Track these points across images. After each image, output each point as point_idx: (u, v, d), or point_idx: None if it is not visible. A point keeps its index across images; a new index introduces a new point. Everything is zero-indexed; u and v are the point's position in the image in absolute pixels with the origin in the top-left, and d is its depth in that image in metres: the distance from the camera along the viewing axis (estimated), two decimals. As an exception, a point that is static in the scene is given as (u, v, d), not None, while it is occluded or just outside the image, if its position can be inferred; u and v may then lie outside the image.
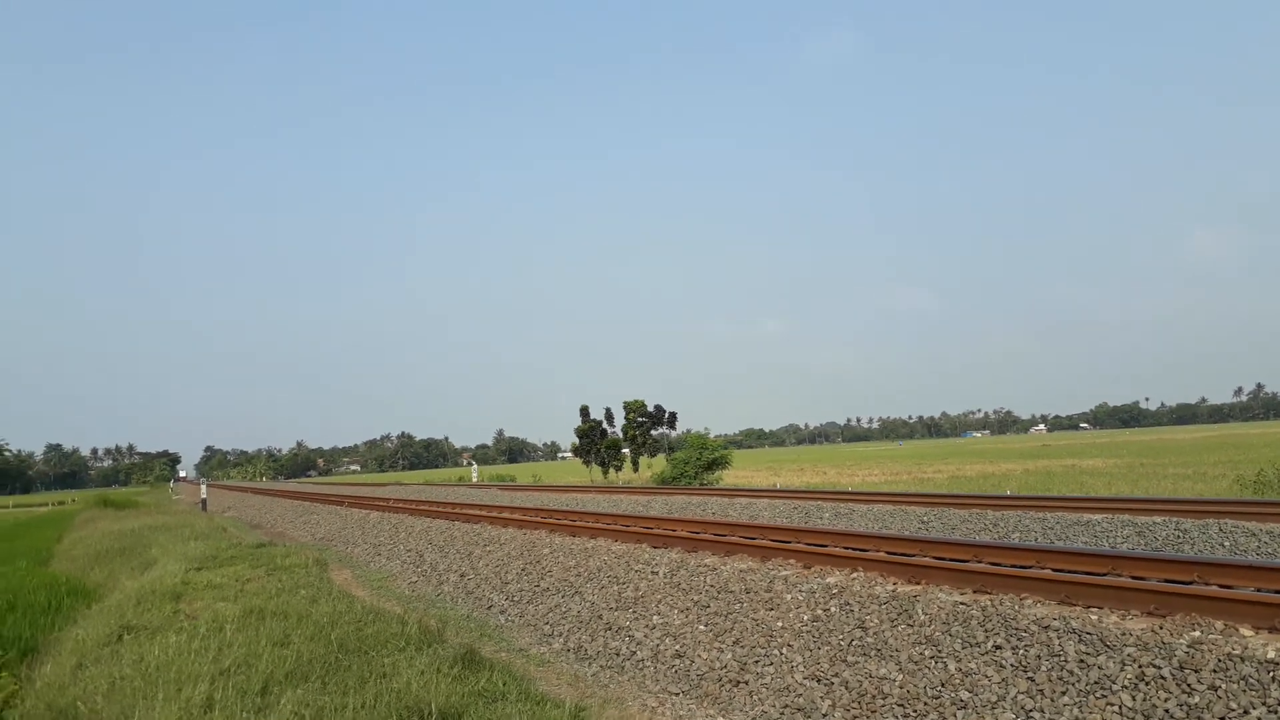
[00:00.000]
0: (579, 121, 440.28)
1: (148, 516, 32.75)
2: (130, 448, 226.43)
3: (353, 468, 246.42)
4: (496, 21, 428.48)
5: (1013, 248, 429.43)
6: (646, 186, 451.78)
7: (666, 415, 53.83)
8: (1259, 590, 6.49)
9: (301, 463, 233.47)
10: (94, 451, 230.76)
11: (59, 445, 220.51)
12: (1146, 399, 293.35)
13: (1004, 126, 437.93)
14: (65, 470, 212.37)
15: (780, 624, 7.86)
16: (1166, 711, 5.03)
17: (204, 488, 50.15)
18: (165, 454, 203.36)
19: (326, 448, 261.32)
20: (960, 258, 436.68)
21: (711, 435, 53.24)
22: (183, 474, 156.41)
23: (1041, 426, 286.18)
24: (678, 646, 8.36)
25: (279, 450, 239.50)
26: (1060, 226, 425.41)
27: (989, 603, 6.90)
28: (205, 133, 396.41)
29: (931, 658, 6.44)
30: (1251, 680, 4.96)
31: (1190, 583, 6.96)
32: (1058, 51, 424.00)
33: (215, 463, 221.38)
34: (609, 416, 55.08)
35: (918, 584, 7.99)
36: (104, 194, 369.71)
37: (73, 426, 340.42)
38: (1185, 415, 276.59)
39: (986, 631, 6.42)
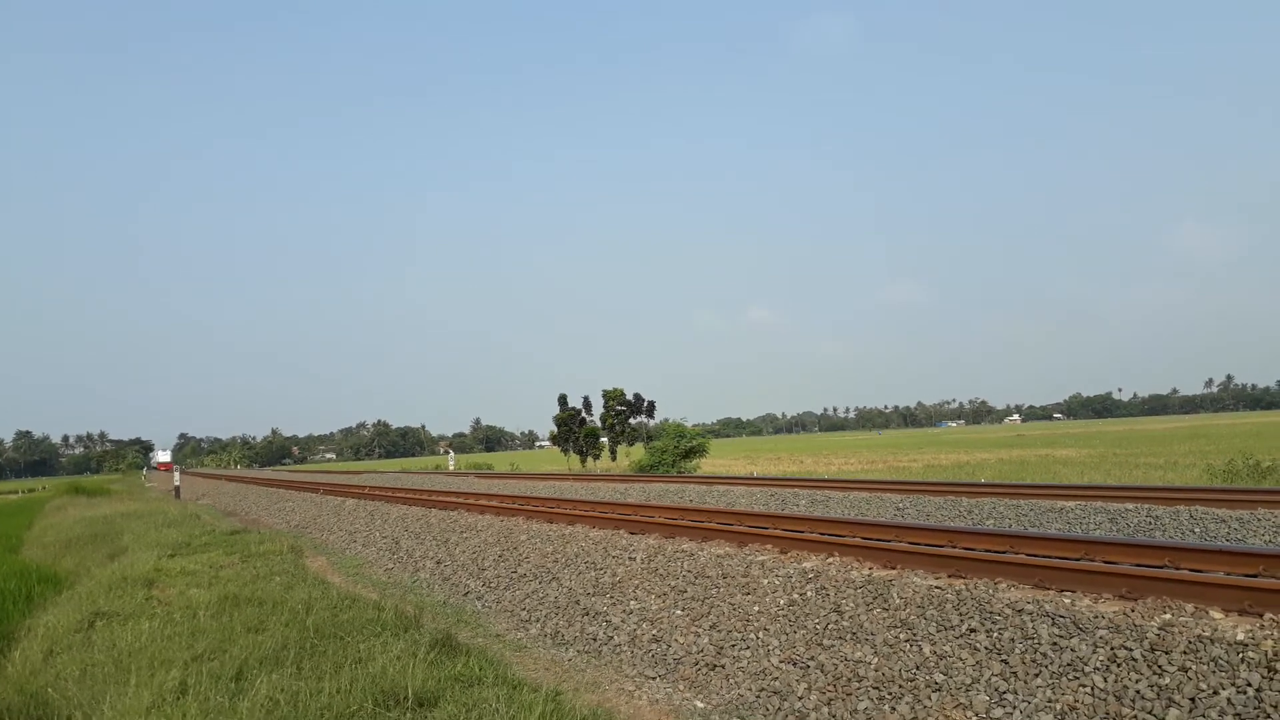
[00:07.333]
0: (564, 116, 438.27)
1: (120, 504, 32.40)
2: (102, 435, 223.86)
3: (328, 456, 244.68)
4: (476, 21, 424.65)
5: (999, 241, 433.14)
6: (633, 179, 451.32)
7: (645, 404, 53.91)
8: (1229, 574, 6.58)
9: (276, 450, 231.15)
10: (65, 439, 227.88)
11: (29, 432, 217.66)
12: (1119, 390, 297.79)
13: (994, 119, 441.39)
14: (35, 458, 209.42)
15: (757, 608, 7.89)
16: (1138, 692, 5.09)
17: (177, 475, 49.68)
18: (138, 441, 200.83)
19: (302, 435, 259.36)
20: (945, 250, 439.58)
21: (689, 424, 53.40)
22: (163, 456, 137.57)
23: (1016, 417, 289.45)
24: (655, 631, 8.37)
25: (254, 438, 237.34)
26: (1045, 221, 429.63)
27: (964, 587, 6.95)
28: (200, 129, 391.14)
29: (906, 641, 6.48)
30: (1221, 661, 5.03)
31: (1162, 567, 7.05)
32: (1047, 48, 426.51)
33: (189, 450, 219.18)
34: (587, 405, 55.06)
35: (893, 569, 8.04)
36: (82, 186, 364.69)
37: (43, 413, 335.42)
38: (1157, 406, 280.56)
39: (961, 615, 6.48)
